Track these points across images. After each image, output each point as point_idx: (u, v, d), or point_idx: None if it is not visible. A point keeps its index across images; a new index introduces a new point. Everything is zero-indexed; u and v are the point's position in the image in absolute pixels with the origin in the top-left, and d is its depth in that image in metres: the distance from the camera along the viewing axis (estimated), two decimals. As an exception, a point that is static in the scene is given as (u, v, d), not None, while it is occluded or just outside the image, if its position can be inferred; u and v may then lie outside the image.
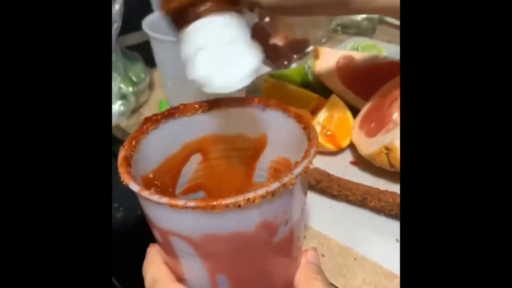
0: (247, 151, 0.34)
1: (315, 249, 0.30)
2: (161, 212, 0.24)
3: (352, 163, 0.51)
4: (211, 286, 0.27)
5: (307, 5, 0.37)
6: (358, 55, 0.61)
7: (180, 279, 0.28)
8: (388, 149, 0.44)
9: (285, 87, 0.58)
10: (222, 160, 0.34)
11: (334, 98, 0.55)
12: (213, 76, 0.28)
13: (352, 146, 0.52)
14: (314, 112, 0.54)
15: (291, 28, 0.75)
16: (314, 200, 0.46)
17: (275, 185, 0.23)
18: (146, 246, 0.30)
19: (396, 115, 0.48)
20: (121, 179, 0.25)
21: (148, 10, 0.62)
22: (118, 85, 0.59)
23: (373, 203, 0.43)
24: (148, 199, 0.23)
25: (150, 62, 0.63)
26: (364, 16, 0.82)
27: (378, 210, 0.43)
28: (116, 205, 0.47)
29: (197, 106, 0.32)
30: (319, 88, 0.60)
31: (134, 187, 0.24)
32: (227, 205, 0.22)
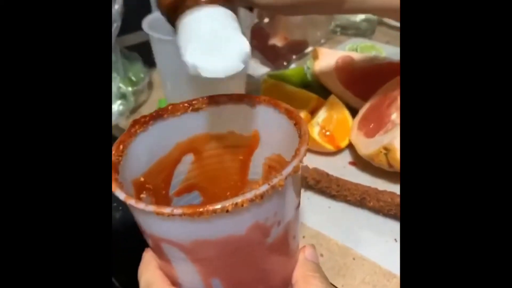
0: (240, 148, 0.34)
1: (313, 246, 0.30)
2: (150, 219, 0.24)
3: (351, 163, 0.51)
4: None
5: (302, 4, 0.37)
6: (357, 56, 0.61)
7: (175, 283, 0.27)
8: (386, 149, 0.44)
9: (284, 88, 0.58)
10: (215, 158, 0.34)
11: (333, 98, 0.55)
12: (206, 61, 0.28)
13: (351, 147, 0.52)
14: (313, 112, 0.54)
15: (290, 29, 0.76)
16: (313, 200, 0.46)
17: (264, 188, 0.22)
18: (145, 246, 0.30)
19: (394, 116, 0.48)
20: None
21: (147, 10, 0.62)
22: (117, 85, 0.59)
23: (371, 203, 0.43)
24: (134, 207, 0.23)
25: (149, 62, 0.63)
26: (363, 17, 0.83)
27: (377, 210, 0.43)
28: (115, 204, 0.47)
29: (186, 105, 0.31)
30: (318, 89, 0.60)
31: (120, 194, 0.24)
32: (214, 211, 0.21)
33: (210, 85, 0.43)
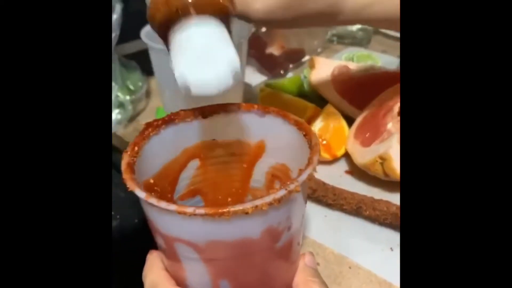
0: (245, 156, 0.34)
1: (311, 253, 0.31)
2: (168, 219, 0.24)
3: (347, 172, 0.52)
4: None
5: (295, 18, 0.37)
6: (354, 65, 0.61)
7: (181, 284, 0.28)
8: (382, 158, 0.45)
9: (281, 96, 0.58)
10: (219, 165, 0.35)
11: (329, 107, 0.55)
12: (196, 79, 0.28)
13: (347, 156, 0.52)
14: (310, 121, 0.55)
15: (287, 38, 0.76)
16: (310, 209, 0.46)
17: (282, 192, 0.23)
18: (143, 254, 0.30)
19: (390, 125, 0.49)
20: (127, 186, 0.25)
21: (145, 19, 0.63)
22: (115, 93, 0.59)
23: (367, 212, 0.43)
24: (155, 206, 0.23)
25: (147, 70, 0.63)
26: (359, 26, 0.83)
27: (373, 219, 0.44)
28: (112, 213, 0.47)
29: (196, 112, 0.32)
30: (314, 98, 0.60)
31: (141, 193, 0.24)
32: (235, 212, 0.22)
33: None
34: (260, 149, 0.34)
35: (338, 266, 0.40)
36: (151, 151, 0.30)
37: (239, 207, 0.22)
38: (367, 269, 0.39)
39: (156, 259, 0.29)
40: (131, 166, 0.27)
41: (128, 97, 0.61)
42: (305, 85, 0.63)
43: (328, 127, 0.53)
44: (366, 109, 0.54)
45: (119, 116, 0.59)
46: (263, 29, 0.75)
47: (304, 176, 0.25)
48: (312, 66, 0.61)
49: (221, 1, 0.30)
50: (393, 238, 0.42)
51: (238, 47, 0.50)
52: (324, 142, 0.52)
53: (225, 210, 0.22)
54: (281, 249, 0.26)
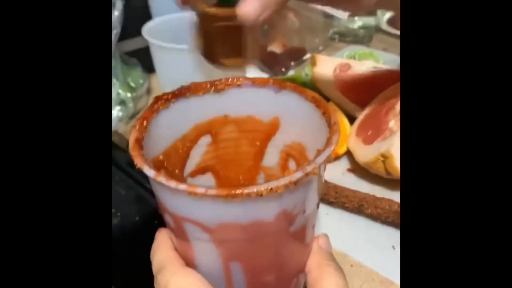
0: (258, 133, 0.33)
1: (326, 235, 0.30)
2: (177, 199, 0.23)
3: (349, 170, 0.51)
4: (224, 273, 0.26)
5: None
6: (355, 63, 0.61)
7: (190, 264, 0.27)
8: (384, 156, 0.44)
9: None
10: (231, 142, 0.33)
11: (331, 105, 0.55)
12: None
13: (349, 154, 0.52)
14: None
15: (289, 36, 0.76)
16: (311, 207, 0.46)
17: (298, 175, 0.22)
18: (144, 252, 0.30)
19: (392, 123, 0.49)
20: (135, 163, 0.24)
21: (146, 16, 0.63)
22: (116, 90, 0.59)
23: (369, 210, 0.43)
24: (164, 185, 0.22)
25: (148, 68, 0.63)
26: (360, 24, 0.83)
27: (375, 217, 0.43)
28: (113, 210, 0.47)
29: (208, 85, 0.31)
30: (316, 96, 0.60)
31: (149, 172, 0.23)
32: (248, 194, 0.21)
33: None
34: (274, 127, 0.32)
35: (339, 264, 0.40)
36: (160, 126, 0.28)
37: (252, 189, 0.21)
38: (369, 267, 0.39)
39: (164, 237, 0.28)
40: (139, 142, 0.25)
41: (129, 94, 0.61)
42: (307, 83, 0.62)
43: (329, 125, 0.53)
44: (368, 107, 0.54)
45: (120, 114, 0.59)
46: (265, 27, 0.75)
47: (322, 158, 0.23)
48: (313, 64, 0.61)
49: None
50: (395, 236, 0.42)
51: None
52: (326, 140, 0.51)
53: (237, 191, 0.21)
54: (295, 232, 0.25)
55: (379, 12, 0.86)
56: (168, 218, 0.26)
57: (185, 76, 0.52)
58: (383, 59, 0.72)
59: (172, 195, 0.23)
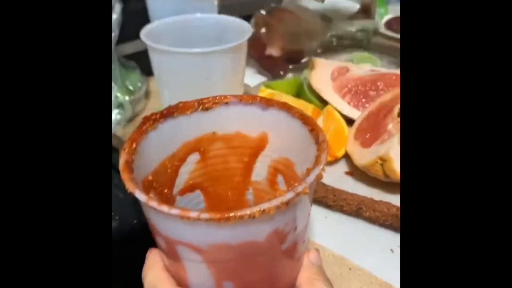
0: (246, 149, 0.33)
1: (317, 250, 0.30)
2: (170, 223, 0.24)
3: (347, 173, 0.52)
4: None
5: None
6: (353, 66, 0.61)
7: (182, 284, 0.27)
8: (382, 159, 0.45)
9: (280, 97, 0.58)
10: (220, 158, 0.34)
11: (329, 108, 0.55)
12: None
13: (347, 157, 0.52)
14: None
15: (287, 39, 0.76)
16: (309, 210, 0.46)
17: (290, 195, 0.22)
18: (142, 255, 0.30)
19: (390, 126, 0.49)
20: (126, 187, 0.24)
21: (145, 19, 0.63)
22: (115, 94, 0.59)
23: (367, 213, 0.43)
24: (156, 210, 0.22)
25: (146, 71, 0.63)
26: (359, 27, 0.83)
27: (373, 220, 0.44)
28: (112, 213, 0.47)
29: (196, 104, 0.31)
30: (314, 99, 0.60)
31: (141, 196, 0.23)
32: (241, 217, 0.21)
33: (207, 94, 0.43)
34: (262, 142, 0.33)
35: (338, 267, 0.40)
36: (149, 147, 0.29)
37: (245, 212, 0.21)
38: (367, 270, 0.39)
39: (156, 257, 0.28)
40: (130, 165, 0.26)
41: (127, 98, 0.61)
42: (305, 86, 0.63)
43: (328, 128, 0.53)
44: (366, 110, 0.54)
45: (118, 117, 0.59)
46: (263, 30, 0.75)
47: (312, 177, 0.24)
48: (312, 67, 0.61)
49: None
50: (393, 239, 0.42)
51: (237, 48, 0.50)
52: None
53: (231, 214, 0.21)
54: (287, 249, 0.26)
55: (377, 15, 0.87)
56: (160, 241, 0.26)
57: (183, 79, 0.52)
58: (381, 62, 0.72)
59: (164, 219, 0.24)
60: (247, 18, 0.61)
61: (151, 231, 0.27)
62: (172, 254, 0.26)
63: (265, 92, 0.59)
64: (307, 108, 0.56)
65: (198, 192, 0.35)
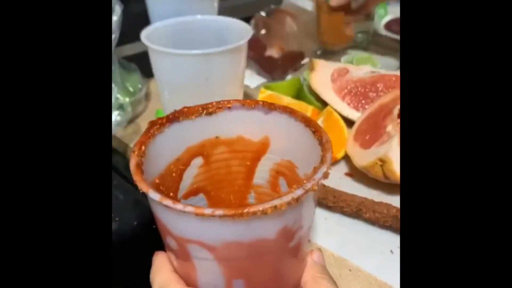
0: (248, 153, 0.34)
1: (319, 249, 0.31)
2: (183, 221, 0.24)
3: (347, 174, 0.52)
4: None
5: None
6: (353, 68, 0.61)
7: (191, 284, 0.28)
8: (382, 161, 0.45)
9: (280, 99, 0.58)
10: (222, 162, 0.35)
11: (329, 109, 0.55)
12: None
13: (346, 158, 0.52)
14: (310, 123, 0.54)
15: (287, 40, 0.76)
16: (309, 211, 0.46)
17: (300, 192, 0.23)
18: (142, 256, 0.30)
19: (390, 127, 0.49)
20: (139, 188, 0.25)
21: (145, 21, 0.63)
22: (115, 95, 0.59)
23: (367, 215, 0.43)
24: (170, 208, 0.23)
25: (146, 72, 0.63)
26: (358, 29, 0.83)
27: (373, 222, 0.44)
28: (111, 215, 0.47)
29: (200, 109, 0.32)
30: (314, 100, 0.60)
31: (155, 195, 0.24)
32: (254, 213, 0.22)
33: (208, 95, 0.43)
34: (264, 146, 0.33)
35: (338, 268, 0.40)
36: (156, 150, 0.29)
37: (258, 208, 0.22)
38: (367, 271, 0.39)
39: (163, 260, 0.29)
40: (140, 167, 0.26)
41: (127, 99, 0.61)
42: (305, 87, 0.63)
43: (327, 129, 0.53)
44: (365, 111, 0.54)
45: (118, 118, 0.59)
46: (263, 32, 0.75)
47: (320, 174, 0.25)
48: (311, 68, 0.61)
49: None
50: (393, 240, 0.42)
51: (237, 50, 0.50)
52: (324, 144, 0.51)
53: (244, 210, 0.22)
54: (293, 247, 0.26)
55: (376, 16, 0.87)
56: (170, 241, 0.27)
57: (183, 81, 0.52)
58: (381, 63, 0.72)
59: (177, 217, 0.24)
60: (247, 19, 0.61)
61: (160, 232, 0.27)
62: (182, 254, 0.26)
63: (264, 94, 0.59)
64: (307, 109, 0.56)
65: (201, 195, 0.35)
